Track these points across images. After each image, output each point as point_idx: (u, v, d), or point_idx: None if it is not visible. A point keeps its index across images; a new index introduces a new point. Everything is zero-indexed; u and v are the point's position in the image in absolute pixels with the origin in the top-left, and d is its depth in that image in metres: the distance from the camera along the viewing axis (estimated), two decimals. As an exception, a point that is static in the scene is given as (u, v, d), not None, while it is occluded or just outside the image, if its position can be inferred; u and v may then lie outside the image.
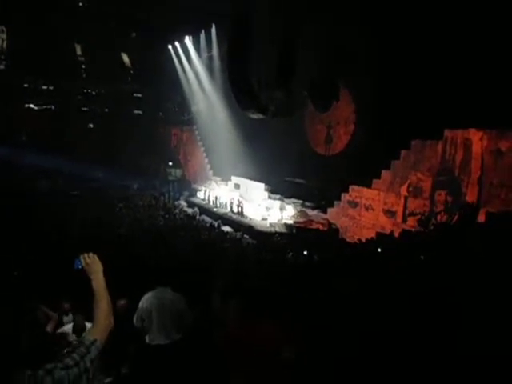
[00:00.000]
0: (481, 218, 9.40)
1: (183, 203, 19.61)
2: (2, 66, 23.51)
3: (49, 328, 4.10)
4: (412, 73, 11.23)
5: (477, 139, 10.17)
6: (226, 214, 16.26)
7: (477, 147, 10.17)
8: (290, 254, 10.15)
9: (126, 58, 25.50)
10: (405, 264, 5.60)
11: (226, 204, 16.87)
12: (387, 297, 3.73)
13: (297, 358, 2.40)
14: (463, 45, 9.97)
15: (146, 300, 4.40)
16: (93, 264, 2.06)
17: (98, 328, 1.88)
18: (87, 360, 1.73)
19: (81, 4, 22.78)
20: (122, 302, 4.68)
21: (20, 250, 7.19)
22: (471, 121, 10.09)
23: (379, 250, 8.10)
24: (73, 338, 3.94)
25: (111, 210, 14.97)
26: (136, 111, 26.66)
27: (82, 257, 2.08)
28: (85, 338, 1.82)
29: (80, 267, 2.07)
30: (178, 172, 24.08)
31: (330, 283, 4.75)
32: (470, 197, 10.22)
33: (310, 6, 13.28)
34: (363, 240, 10.82)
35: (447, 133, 10.89)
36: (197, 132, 23.11)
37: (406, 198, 11.87)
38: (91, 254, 2.08)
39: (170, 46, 22.59)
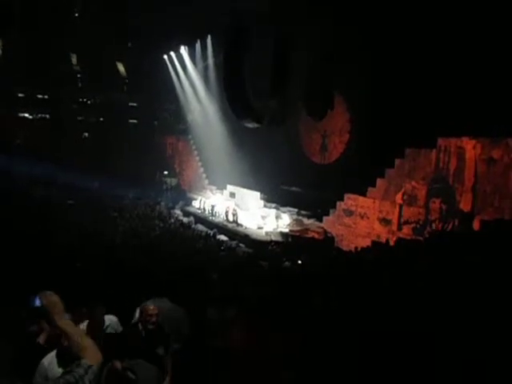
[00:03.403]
0: (475, 226, 9.48)
1: (178, 212, 19.56)
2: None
3: (40, 340, 4.01)
4: (406, 82, 11.38)
5: (470, 147, 10.29)
6: (221, 222, 16.23)
7: (470, 155, 10.28)
8: (286, 262, 10.13)
9: (121, 67, 25.62)
10: (400, 272, 5.61)
11: (221, 213, 16.85)
12: (383, 305, 3.73)
13: (296, 364, 2.40)
14: (457, 55, 10.14)
15: (141, 309, 4.37)
16: (55, 304, 1.98)
17: (90, 356, 1.89)
18: (86, 380, 1.76)
19: (76, 14, 22.96)
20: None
21: (14, 259, 7.13)
22: (464, 129, 10.22)
23: (375, 260, 8.11)
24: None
25: (106, 220, 14.89)
26: (131, 120, 26.71)
27: (41, 294, 1.98)
28: (82, 361, 1.85)
29: (39, 305, 1.97)
30: (174, 181, 24.05)
31: (325, 291, 4.74)
32: (464, 205, 10.31)
33: (305, 16, 13.46)
34: (359, 248, 10.85)
35: (440, 141, 11.00)
36: (192, 141, 23.16)
37: (400, 206, 11.94)
38: (51, 292, 2.01)
39: (165, 56, 22.74)
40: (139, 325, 3.95)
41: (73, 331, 1.97)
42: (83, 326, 4.29)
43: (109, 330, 4.37)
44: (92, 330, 4.09)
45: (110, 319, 4.45)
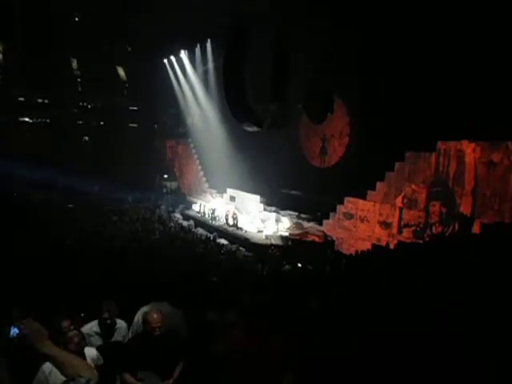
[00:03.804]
0: (475, 230, 9.47)
1: (178, 216, 19.55)
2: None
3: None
4: (405, 85, 11.41)
5: (469, 151, 10.30)
6: (221, 226, 16.23)
7: (470, 159, 10.29)
8: (287, 266, 10.13)
9: (121, 71, 25.71)
10: (400, 275, 5.60)
11: (221, 216, 16.85)
12: (383, 307, 3.73)
13: (297, 365, 2.40)
14: (456, 57, 10.17)
15: (141, 314, 4.36)
16: (36, 331, 1.93)
17: (86, 373, 1.88)
18: None
19: (77, 18, 23.07)
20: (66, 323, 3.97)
21: (13, 263, 7.12)
22: (464, 132, 10.24)
23: (374, 262, 8.11)
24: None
25: (106, 223, 14.89)
26: (131, 124, 26.77)
27: (20, 323, 1.91)
28: (81, 376, 1.85)
29: (17, 334, 1.89)
30: (174, 184, 24.08)
31: (326, 294, 4.74)
32: (465, 208, 10.31)
33: (304, 19, 13.50)
34: (359, 252, 10.83)
35: (440, 145, 11.02)
36: (192, 145, 23.20)
37: (401, 210, 11.94)
38: (30, 320, 1.95)
39: (165, 60, 22.83)
40: (144, 334, 3.83)
41: (59, 355, 1.94)
42: (92, 325, 4.27)
43: (116, 335, 4.32)
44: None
45: (120, 323, 4.42)
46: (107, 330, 4.30)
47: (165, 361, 3.65)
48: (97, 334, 4.25)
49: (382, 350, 2.67)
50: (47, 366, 2.90)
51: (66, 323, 3.92)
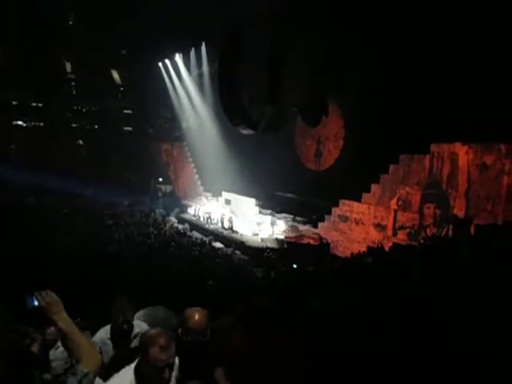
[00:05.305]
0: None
1: (173, 219, 19.51)
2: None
3: (34, 348, 3.94)
4: (399, 89, 11.49)
5: (463, 153, 10.40)
6: (216, 229, 16.21)
7: (463, 161, 10.39)
8: (283, 268, 10.13)
9: (116, 75, 25.67)
10: (395, 277, 5.63)
11: (217, 220, 16.84)
12: (379, 310, 3.75)
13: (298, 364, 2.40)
14: (449, 61, 10.27)
15: (138, 318, 4.34)
16: (53, 303, 1.92)
17: (88, 361, 1.86)
18: None
19: (71, 22, 23.00)
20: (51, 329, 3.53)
21: (6, 269, 7.06)
22: (457, 135, 10.33)
23: (369, 262, 8.13)
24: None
25: (101, 227, 14.82)
26: (126, 128, 26.73)
27: (38, 294, 1.91)
28: (78, 369, 1.82)
29: (36, 304, 1.90)
30: (168, 188, 24.04)
31: (323, 295, 4.75)
32: (458, 210, 10.38)
33: (299, 22, 13.57)
34: (354, 254, 10.86)
35: (434, 147, 11.11)
36: (187, 148, 23.20)
37: (395, 212, 12.00)
38: (48, 292, 1.94)
39: (160, 64, 22.84)
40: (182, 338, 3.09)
41: (72, 330, 1.93)
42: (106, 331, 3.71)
43: (135, 342, 3.68)
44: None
45: (139, 326, 3.71)
46: (124, 337, 3.46)
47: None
48: (111, 340, 3.50)
49: (380, 350, 2.69)
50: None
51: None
